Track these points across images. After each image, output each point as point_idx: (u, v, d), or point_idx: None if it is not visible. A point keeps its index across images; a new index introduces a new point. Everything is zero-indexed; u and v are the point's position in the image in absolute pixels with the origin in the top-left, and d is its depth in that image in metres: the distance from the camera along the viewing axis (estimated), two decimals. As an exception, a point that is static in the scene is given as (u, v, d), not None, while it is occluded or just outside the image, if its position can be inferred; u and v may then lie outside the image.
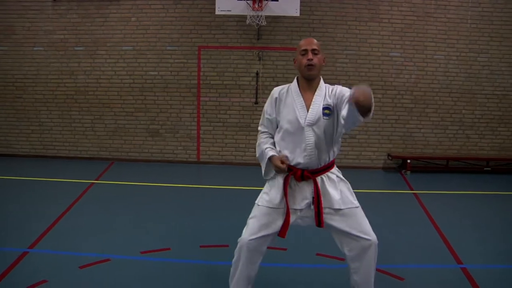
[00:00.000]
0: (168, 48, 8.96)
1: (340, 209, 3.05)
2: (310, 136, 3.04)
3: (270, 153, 3.09)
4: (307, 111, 3.05)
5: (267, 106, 3.18)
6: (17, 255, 4.22)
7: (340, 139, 3.21)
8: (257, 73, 8.89)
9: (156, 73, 9.02)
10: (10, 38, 9.07)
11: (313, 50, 3.04)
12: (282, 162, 3.00)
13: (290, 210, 3.05)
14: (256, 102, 8.91)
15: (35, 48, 9.08)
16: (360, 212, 3.13)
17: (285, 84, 3.24)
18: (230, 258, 4.34)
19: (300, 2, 8.30)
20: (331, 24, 8.79)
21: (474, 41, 8.79)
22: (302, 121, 3.04)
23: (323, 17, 8.79)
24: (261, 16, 8.06)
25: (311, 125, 3.04)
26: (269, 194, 3.12)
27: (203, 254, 4.46)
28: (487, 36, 8.77)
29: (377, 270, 4.00)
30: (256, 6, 7.98)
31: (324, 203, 3.04)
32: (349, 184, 3.21)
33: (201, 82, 8.98)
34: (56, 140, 9.29)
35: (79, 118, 9.21)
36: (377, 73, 8.88)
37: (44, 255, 4.30)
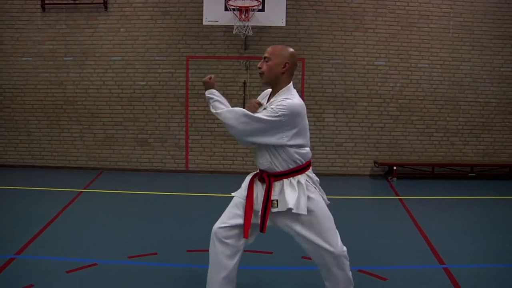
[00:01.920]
0: (157, 58, 9.05)
1: (298, 213, 3.01)
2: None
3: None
4: None
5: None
6: (3, 261, 4.23)
7: (299, 150, 3.07)
8: (244, 83, 9.00)
9: (144, 83, 9.10)
10: (-1, 48, 9.11)
11: (264, 57, 3.07)
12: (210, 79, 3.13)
13: (253, 208, 3.10)
14: (244, 111, 8.98)
15: (24, 59, 9.12)
16: (322, 221, 3.09)
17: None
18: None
19: (286, 12, 8.46)
20: (317, 34, 8.95)
21: (457, 50, 9.00)
22: None
23: (309, 27, 8.95)
24: (248, 26, 8.19)
25: None
26: (242, 186, 3.24)
27: (190, 258, 4.50)
28: (469, 45, 9.00)
29: (362, 271, 4.11)
30: (243, 16, 8.12)
31: (280, 206, 3.03)
32: (319, 194, 3.15)
33: (189, 91, 9.07)
34: (44, 150, 9.29)
35: (68, 127, 9.23)
36: (363, 81, 9.04)
37: (31, 260, 4.32)
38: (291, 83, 3.11)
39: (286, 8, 8.45)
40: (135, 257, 4.46)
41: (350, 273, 3.24)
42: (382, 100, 9.09)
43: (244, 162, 9.01)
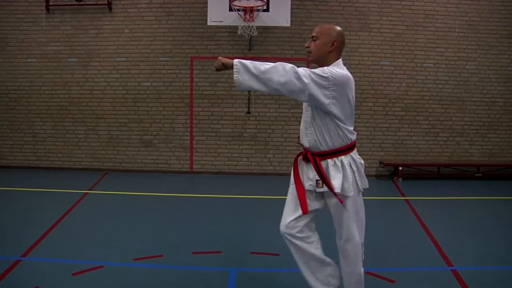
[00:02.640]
0: (161, 59, 9.04)
1: (340, 194, 3.06)
2: (308, 114, 3.12)
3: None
4: None
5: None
6: (9, 263, 4.23)
7: (343, 125, 3.08)
8: (249, 83, 8.96)
9: (149, 84, 9.09)
10: (4, 50, 9.13)
11: (312, 37, 3.12)
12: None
13: (304, 185, 3.14)
14: (249, 112, 8.99)
15: (28, 60, 9.13)
16: (355, 208, 3.15)
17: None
18: (222, 264, 4.39)
19: (291, 12, 8.43)
20: (322, 34, 8.90)
21: (462, 49, 8.95)
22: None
23: (314, 27, 8.87)
24: (253, 26, 8.17)
25: (310, 104, 3.08)
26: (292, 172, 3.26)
27: (196, 260, 4.48)
28: (475, 45, 8.94)
29: (369, 273, 4.08)
30: (248, 16, 8.09)
31: (325, 186, 3.08)
32: (360, 172, 3.15)
33: (193, 92, 9.05)
34: (49, 151, 9.31)
35: (72, 129, 9.24)
36: (368, 81, 9.00)
37: (37, 262, 4.31)
38: (340, 59, 3.14)
39: (291, 8, 8.41)
40: (141, 259, 4.45)
41: (362, 270, 3.27)
42: (387, 100, 9.05)
43: (249, 163, 8.99)
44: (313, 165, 3.09)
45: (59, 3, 8.96)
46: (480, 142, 9.13)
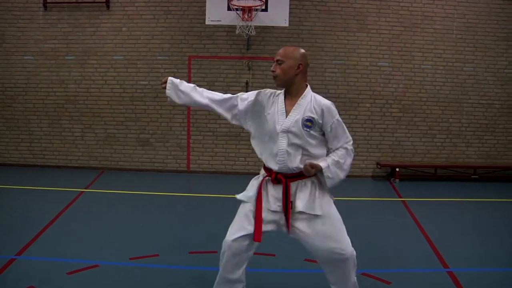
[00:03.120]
0: (159, 58, 9.02)
1: (310, 214, 3.01)
2: (282, 143, 3.04)
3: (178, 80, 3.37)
4: (285, 118, 3.05)
5: (250, 95, 3.22)
6: (4, 262, 4.20)
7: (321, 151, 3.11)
8: (246, 83, 8.96)
9: (146, 82, 9.06)
10: (1, 47, 9.08)
11: (277, 60, 3.06)
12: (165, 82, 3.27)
13: (264, 210, 3.07)
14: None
15: (25, 57, 9.09)
16: (335, 223, 3.08)
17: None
18: (218, 264, 4.37)
19: (289, 12, 8.42)
20: (320, 35, 8.91)
21: (460, 51, 8.96)
22: (278, 127, 3.05)
23: (312, 27, 8.91)
24: (251, 26, 8.15)
25: (285, 132, 3.03)
26: (248, 190, 3.20)
27: (192, 260, 4.47)
28: (472, 47, 8.95)
29: (365, 274, 4.07)
30: (246, 16, 8.08)
31: (294, 208, 3.03)
32: (329, 195, 3.15)
33: (191, 91, 9.00)
34: (46, 149, 9.27)
35: (69, 127, 9.20)
36: (366, 82, 9.00)
37: (31, 261, 4.29)
38: (308, 86, 3.14)
39: (289, 8, 8.41)
40: (137, 259, 4.43)
41: (355, 278, 3.19)
42: (385, 101, 9.05)
43: (246, 162, 8.97)
44: (283, 187, 3.04)
45: (57, 0, 8.91)
46: (477, 144, 9.15)
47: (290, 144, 3.03)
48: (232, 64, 8.98)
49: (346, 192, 7.91)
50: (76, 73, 9.10)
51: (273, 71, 3.09)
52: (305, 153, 3.05)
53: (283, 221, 3.09)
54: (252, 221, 3.09)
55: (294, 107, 3.06)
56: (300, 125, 3.01)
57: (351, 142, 3.12)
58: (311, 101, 3.06)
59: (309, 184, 3.06)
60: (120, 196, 7.28)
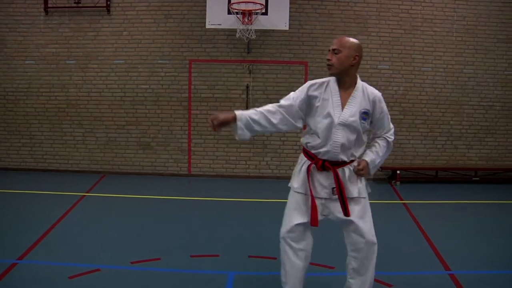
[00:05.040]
0: (159, 61, 9.04)
1: (360, 198, 3.19)
2: (338, 135, 3.08)
3: (239, 112, 3.20)
4: (341, 110, 3.09)
5: (300, 93, 3.21)
6: (5, 266, 4.21)
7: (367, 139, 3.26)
8: (247, 86, 8.97)
9: (147, 86, 9.08)
10: (2, 51, 9.11)
11: (333, 49, 3.08)
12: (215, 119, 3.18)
13: (314, 197, 3.14)
14: (247, 115, 8.96)
15: (26, 62, 9.12)
16: (369, 208, 3.28)
17: (275, 96, 3.33)
18: (220, 267, 4.38)
19: (289, 16, 8.45)
20: (320, 38, 8.93)
21: (460, 53, 8.97)
22: (335, 119, 3.07)
23: (312, 30, 8.93)
24: (251, 30, 8.18)
25: (342, 125, 3.07)
26: (297, 178, 3.26)
27: (194, 264, 4.47)
28: (472, 49, 8.96)
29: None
30: (246, 20, 8.10)
31: (348, 194, 3.14)
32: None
33: (192, 95, 9.04)
34: (47, 153, 9.28)
35: (70, 131, 9.22)
36: (366, 85, 8.99)
37: (33, 265, 4.29)
38: (358, 75, 3.21)
39: (289, 12, 8.43)
40: (138, 263, 4.43)
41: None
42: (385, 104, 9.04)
43: (247, 166, 8.98)
44: (334, 174, 3.12)
45: (58, 5, 8.95)
46: (478, 146, 9.15)
47: (346, 137, 3.09)
48: (233, 68, 9.00)
49: (347, 195, 7.94)
50: (77, 77, 9.13)
51: (328, 60, 3.09)
52: (356, 143, 3.14)
53: (330, 208, 3.20)
54: (303, 208, 3.18)
55: (349, 100, 3.11)
56: (358, 118, 3.08)
57: (393, 131, 3.28)
58: (364, 92, 3.13)
59: (351, 170, 3.16)
60: (121, 200, 7.28)
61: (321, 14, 8.91)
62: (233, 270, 4.25)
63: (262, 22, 8.24)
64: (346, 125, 3.07)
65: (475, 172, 8.94)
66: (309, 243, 3.30)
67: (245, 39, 8.41)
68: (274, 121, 3.13)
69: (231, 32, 8.64)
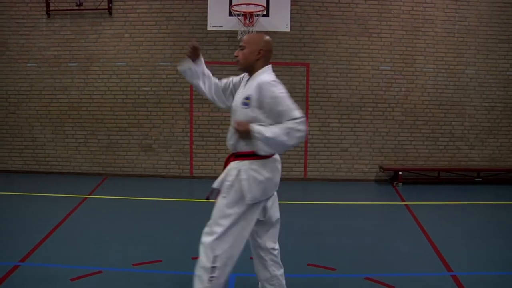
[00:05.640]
0: (161, 63, 9.05)
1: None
2: (231, 122, 3.20)
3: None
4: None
5: (230, 79, 3.48)
6: (7, 268, 4.21)
7: None
8: (249, 88, 8.96)
9: (149, 88, 9.10)
10: (4, 54, 9.14)
11: (240, 46, 3.21)
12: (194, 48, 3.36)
13: None
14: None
15: (28, 64, 9.15)
16: (221, 204, 3.21)
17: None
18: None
19: (291, 17, 8.46)
20: (322, 39, 8.94)
21: (462, 54, 8.96)
22: (232, 106, 3.24)
23: (314, 32, 8.94)
24: (252, 31, 8.17)
25: (232, 110, 3.22)
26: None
27: (195, 266, 4.45)
28: (474, 49, 8.96)
29: (368, 279, 4.07)
30: (247, 21, 8.11)
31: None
32: (249, 182, 3.09)
33: (193, 97, 9.06)
34: (49, 155, 9.30)
35: (72, 133, 9.24)
36: (368, 86, 9.01)
37: (35, 268, 4.30)
38: (269, 65, 3.21)
39: (291, 13, 8.45)
40: (140, 265, 4.43)
41: (201, 275, 3.08)
42: (387, 105, 9.05)
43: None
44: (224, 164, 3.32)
45: (60, 8, 8.98)
46: (480, 147, 9.13)
47: (234, 123, 3.13)
48: (234, 70, 8.93)
49: (349, 196, 7.93)
50: (79, 80, 9.15)
51: (235, 56, 3.23)
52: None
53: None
54: None
55: (242, 89, 3.20)
56: (239, 103, 3.12)
57: (299, 120, 2.93)
58: (254, 80, 3.12)
59: (239, 167, 3.10)
60: (123, 202, 7.29)
61: (322, 16, 8.91)
62: (234, 272, 4.24)
63: (263, 24, 8.25)
64: (233, 112, 3.19)
65: (478, 173, 8.93)
66: None
67: (246, 40, 8.39)
68: (213, 81, 3.48)
69: (232, 34, 8.66)
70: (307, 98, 8.96)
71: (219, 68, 8.98)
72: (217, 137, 9.09)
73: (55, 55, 9.12)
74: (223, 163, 9.49)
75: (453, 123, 9.10)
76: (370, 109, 9.03)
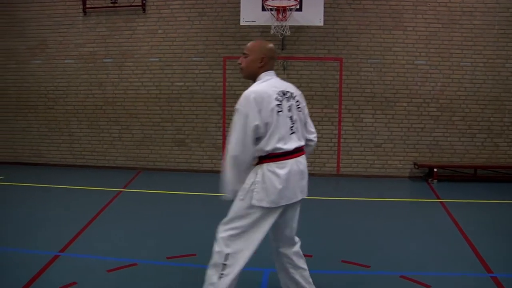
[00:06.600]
0: (194, 59, 9.12)
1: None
2: None
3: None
4: None
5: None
6: (49, 258, 4.36)
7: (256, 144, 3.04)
8: (281, 83, 8.93)
9: (182, 83, 9.19)
10: (44, 52, 9.42)
11: (243, 53, 3.17)
12: None
13: None
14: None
15: (66, 61, 9.39)
16: (238, 205, 3.15)
17: (310, 92, 3.29)
18: (256, 264, 4.37)
19: (324, 12, 8.35)
20: (355, 33, 8.80)
21: (502, 47, 8.66)
22: None
23: (347, 26, 8.81)
24: (285, 26, 8.14)
25: None
26: None
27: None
28: (515, 42, 8.64)
29: (404, 277, 4.00)
30: (280, 16, 8.07)
31: None
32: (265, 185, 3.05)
33: (226, 92, 9.09)
34: (85, 149, 9.54)
35: (107, 128, 9.44)
36: (402, 81, 8.83)
37: (74, 258, 4.42)
38: (271, 71, 3.18)
39: (324, 7, 8.34)
40: (174, 258, 4.50)
41: (212, 275, 3.12)
42: (422, 100, 8.85)
43: (280, 162, 8.96)
44: None
45: (95, 5, 9.17)
46: (520, 144, 8.82)
47: None
48: (266, 65, 8.95)
49: (382, 193, 7.81)
50: (114, 76, 9.33)
51: (239, 64, 3.19)
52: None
53: None
54: None
55: None
56: None
57: (229, 148, 3.03)
58: None
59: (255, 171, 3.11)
60: (157, 196, 7.41)
61: (356, 10, 8.77)
62: (268, 267, 4.25)
63: (296, 18, 8.19)
64: None
65: (517, 171, 8.63)
66: None
67: (279, 35, 8.38)
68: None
69: (265, 29, 8.63)
70: (340, 93, 8.86)
71: (251, 63, 8.99)
72: (249, 132, 9.08)
73: (91, 52, 9.33)
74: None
75: (491, 119, 8.81)
76: (404, 104, 8.85)
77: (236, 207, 3.15)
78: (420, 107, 8.86)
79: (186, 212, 6.35)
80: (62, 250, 4.60)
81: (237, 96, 9.94)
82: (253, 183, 3.06)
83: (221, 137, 9.19)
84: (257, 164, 3.10)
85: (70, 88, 9.46)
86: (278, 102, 3.05)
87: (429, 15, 8.70)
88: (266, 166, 3.04)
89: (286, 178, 3.03)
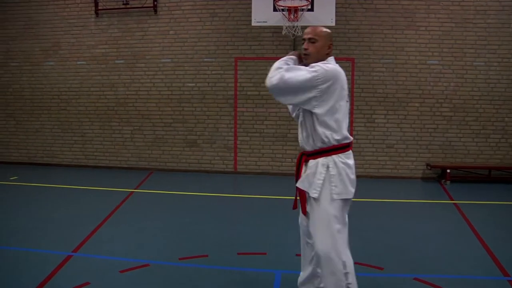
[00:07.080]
0: (205, 60, 9.14)
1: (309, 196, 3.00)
2: (300, 118, 3.14)
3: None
4: None
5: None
6: (62, 258, 4.39)
7: (324, 126, 2.96)
8: (292, 83, 8.90)
9: (193, 84, 9.21)
10: (57, 53, 9.52)
11: (309, 39, 3.06)
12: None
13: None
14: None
15: (78, 62, 9.47)
16: (321, 212, 2.94)
17: None
18: (268, 265, 4.37)
19: (336, 11, 8.32)
20: (367, 33, 8.75)
21: (517, 47, 8.55)
22: None
23: (359, 26, 8.76)
24: (297, 26, 8.12)
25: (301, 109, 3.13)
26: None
27: (241, 261, 4.48)
28: (530, 42, 8.52)
29: (418, 279, 3.95)
30: (292, 16, 8.05)
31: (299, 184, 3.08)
32: (342, 178, 2.96)
33: (238, 93, 9.09)
34: (97, 150, 9.60)
35: (119, 129, 9.49)
36: (415, 81, 8.75)
37: (87, 258, 4.45)
38: (330, 58, 3.09)
39: (335, 8, 8.31)
40: (186, 259, 4.50)
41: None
42: (435, 100, 8.77)
43: (293, 163, 8.94)
44: (296, 164, 3.14)
45: (107, 7, 9.22)
46: (535, 144, 8.70)
47: (302, 119, 3.10)
48: (278, 65, 8.93)
49: (395, 194, 7.75)
50: (126, 77, 9.38)
51: (305, 49, 3.06)
52: (311, 127, 3.02)
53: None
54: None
55: None
56: None
57: (288, 76, 2.95)
58: None
59: (322, 162, 2.98)
60: (169, 197, 7.42)
61: (368, 9, 8.72)
62: (281, 268, 4.24)
63: (308, 19, 8.16)
64: (301, 109, 3.14)
65: (532, 172, 8.51)
66: None
67: (291, 36, 8.36)
68: None
69: (276, 29, 8.62)
70: (352, 93, 8.81)
71: (263, 63, 8.99)
72: (261, 133, 9.10)
73: (103, 53, 9.39)
74: (267, 159, 9.49)
75: (506, 119, 8.70)
76: (417, 104, 8.77)
77: (321, 210, 2.95)
78: (433, 107, 8.78)
79: (197, 213, 6.35)
80: (75, 250, 4.63)
81: (248, 97, 10.02)
82: (326, 178, 2.95)
83: (232, 138, 9.19)
84: (319, 156, 2.99)
85: (83, 89, 9.54)
86: (347, 91, 3.06)
87: (442, 14, 8.62)
88: (337, 158, 2.97)
89: (354, 168, 3.06)
